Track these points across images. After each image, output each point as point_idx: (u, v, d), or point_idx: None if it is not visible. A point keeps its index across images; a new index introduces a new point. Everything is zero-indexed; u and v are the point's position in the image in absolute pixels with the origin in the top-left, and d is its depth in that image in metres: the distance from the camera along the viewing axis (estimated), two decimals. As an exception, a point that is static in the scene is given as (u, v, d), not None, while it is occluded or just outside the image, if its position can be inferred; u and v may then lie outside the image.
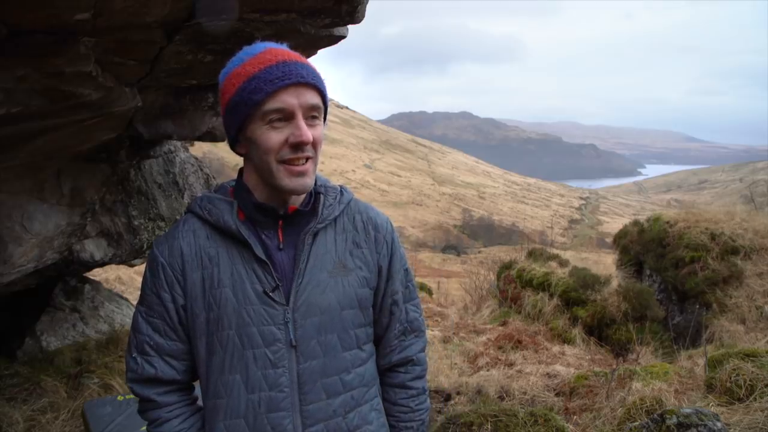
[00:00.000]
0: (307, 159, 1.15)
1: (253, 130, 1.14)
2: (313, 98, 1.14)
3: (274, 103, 1.10)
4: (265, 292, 1.15)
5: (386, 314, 1.32)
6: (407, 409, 1.34)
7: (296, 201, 1.22)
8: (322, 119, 1.19)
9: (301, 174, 1.14)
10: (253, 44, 1.17)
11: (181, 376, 1.23)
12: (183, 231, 1.21)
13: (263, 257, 1.16)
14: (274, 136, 1.12)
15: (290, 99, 1.11)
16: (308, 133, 1.12)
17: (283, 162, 1.13)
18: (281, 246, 1.20)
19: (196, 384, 1.27)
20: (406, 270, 1.37)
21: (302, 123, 1.12)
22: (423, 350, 1.38)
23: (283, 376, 1.15)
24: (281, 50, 1.15)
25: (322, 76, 1.19)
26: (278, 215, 1.20)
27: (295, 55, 1.15)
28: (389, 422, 1.33)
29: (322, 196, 1.25)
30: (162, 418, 1.22)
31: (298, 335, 1.16)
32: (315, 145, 1.15)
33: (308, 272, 1.18)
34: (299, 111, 1.12)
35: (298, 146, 1.12)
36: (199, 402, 1.28)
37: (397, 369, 1.35)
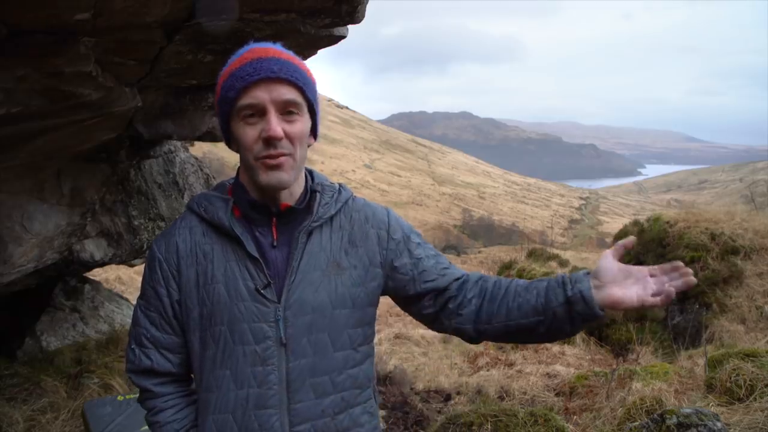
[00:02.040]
0: (284, 155, 1.14)
1: (234, 126, 1.16)
2: (287, 93, 1.13)
3: (246, 99, 1.11)
4: (257, 290, 1.16)
5: (443, 282, 1.28)
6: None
7: (289, 198, 1.21)
8: (307, 114, 1.18)
9: (275, 167, 1.13)
10: (249, 44, 1.18)
11: (176, 369, 1.25)
12: (180, 228, 1.23)
13: (255, 254, 1.17)
14: (248, 132, 1.13)
15: (261, 94, 1.11)
16: (276, 128, 1.11)
17: (258, 158, 1.14)
18: (275, 243, 1.20)
19: None
20: (422, 239, 1.35)
21: (273, 118, 1.11)
22: None
23: (272, 374, 1.15)
24: (263, 48, 1.14)
25: (312, 74, 1.18)
26: (271, 213, 1.20)
27: (276, 52, 1.14)
28: (527, 296, 1.21)
29: (318, 195, 1.24)
30: (158, 407, 1.25)
31: (288, 333, 1.16)
32: (292, 140, 1.14)
33: (301, 270, 1.18)
34: (271, 106, 1.11)
35: (268, 141, 1.12)
36: None
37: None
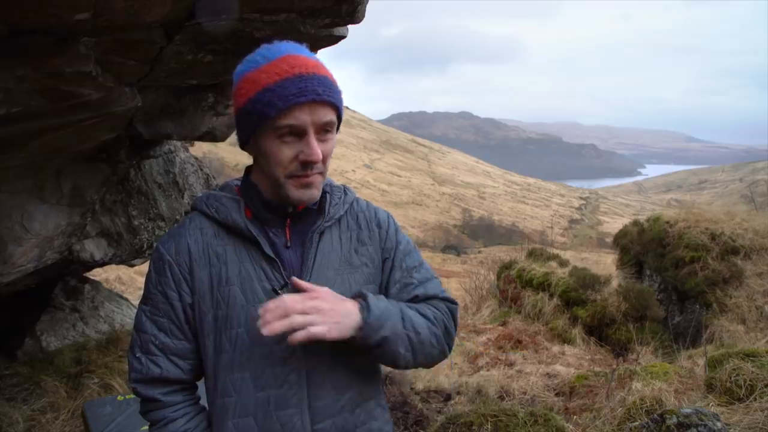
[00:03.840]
0: (318, 173, 1.15)
1: (264, 140, 1.12)
2: (327, 115, 1.11)
3: (287, 120, 1.08)
4: (274, 290, 1.15)
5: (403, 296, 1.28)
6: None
7: None
8: (335, 132, 1.18)
9: (309, 185, 1.14)
10: (272, 45, 1.13)
11: (186, 376, 1.22)
12: (190, 229, 1.20)
13: (272, 255, 1.17)
14: (285, 151, 1.10)
15: (303, 116, 1.08)
16: (318, 152, 1.10)
17: (291, 177, 1.13)
18: (288, 244, 1.21)
19: (199, 383, 1.27)
20: (411, 252, 1.33)
21: (313, 141, 1.09)
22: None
23: (292, 373, 1.15)
24: (299, 58, 1.11)
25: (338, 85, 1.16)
26: (287, 213, 1.20)
27: (314, 65, 1.11)
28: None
29: (328, 195, 1.25)
30: (167, 418, 1.21)
31: None
32: (325, 159, 1.14)
33: (316, 270, 1.19)
34: (311, 128, 1.09)
35: (307, 164, 1.11)
36: (202, 401, 1.28)
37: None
